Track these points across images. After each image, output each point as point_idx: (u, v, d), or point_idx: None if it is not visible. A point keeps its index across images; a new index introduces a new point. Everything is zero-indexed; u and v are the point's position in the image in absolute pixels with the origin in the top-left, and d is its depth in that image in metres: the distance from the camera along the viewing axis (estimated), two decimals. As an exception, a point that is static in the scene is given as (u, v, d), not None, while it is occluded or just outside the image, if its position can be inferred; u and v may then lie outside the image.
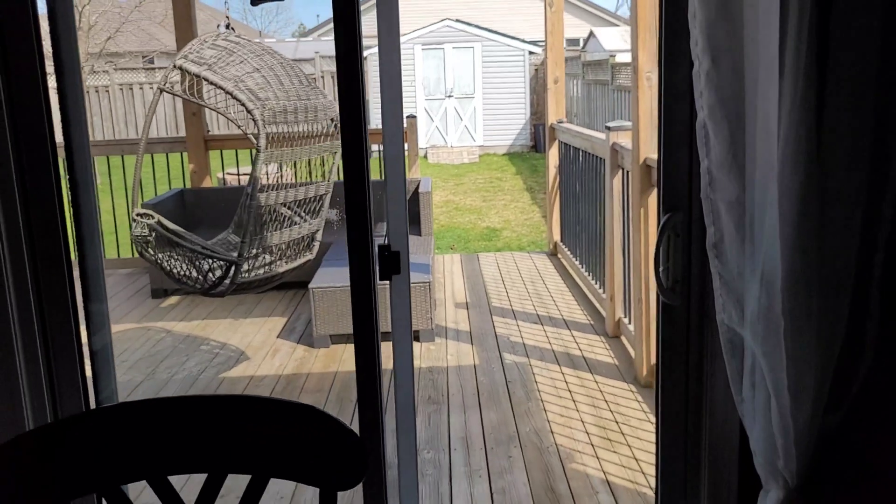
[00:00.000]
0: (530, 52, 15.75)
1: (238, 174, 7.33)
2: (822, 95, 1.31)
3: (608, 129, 4.07)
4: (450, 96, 15.57)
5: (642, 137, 3.38)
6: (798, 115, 1.28)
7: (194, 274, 3.30)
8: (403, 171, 1.72)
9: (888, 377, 1.43)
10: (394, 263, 1.72)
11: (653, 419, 3.33)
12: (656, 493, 1.77)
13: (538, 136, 15.50)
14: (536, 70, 16.33)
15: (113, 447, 1.05)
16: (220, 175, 7.64)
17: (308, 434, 1.05)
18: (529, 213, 10.14)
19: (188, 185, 6.31)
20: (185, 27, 5.64)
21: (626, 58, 12.79)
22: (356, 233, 1.63)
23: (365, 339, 1.71)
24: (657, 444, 1.75)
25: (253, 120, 2.92)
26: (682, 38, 1.51)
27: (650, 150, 3.38)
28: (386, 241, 1.72)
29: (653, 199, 3.46)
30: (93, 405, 1.75)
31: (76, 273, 1.70)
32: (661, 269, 1.64)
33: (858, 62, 1.32)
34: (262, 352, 4.37)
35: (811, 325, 1.38)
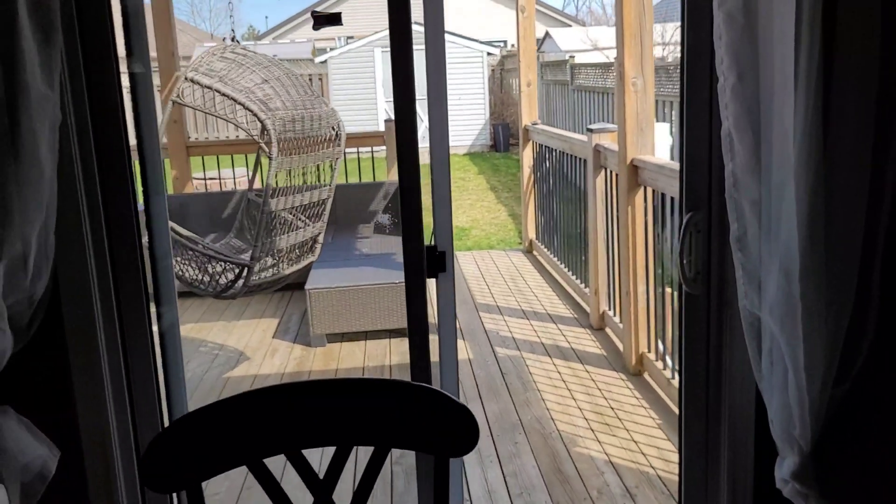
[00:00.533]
0: (488, 53, 16.01)
1: (205, 179, 7.38)
2: (828, 106, 1.52)
3: (591, 131, 4.29)
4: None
5: (629, 140, 3.60)
6: (809, 123, 1.49)
7: (205, 278, 3.41)
8: (448, 175, 1.89)
9: (887, 353, 1.65)
10: (440, 263, 1.89)
11: (645, 405, 3.56)
12: (679, 462, 1.97)
13: (497, 136, 15.76)
14: (493, 70, 16.60)
15: (254, 426, 1.20)
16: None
17: (423, 409, 1.22)
18: (496, 211, 10.36)
19: (171, 191, 6.36)
20: (164, 34, 5.70)
21: (584, 58, 13.12)
22: (411, 236, 1.80)
23: (418, 336, 1.87)
24: (680, 418, 1.95)
25: (265, 129, 3.04)
26: (704, 57, 1.71)
27: (636, 152, 3.61)
28: (433, 242, 1.89)
29: (639, 197, 3.69)
30: (164, 404, 1.87)
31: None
32: (684, 261, 1.84)
33: (860, 77, 1.53)
34: (261, 352, 4.48)
35: (822, 308, 1.59)
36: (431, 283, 1.99)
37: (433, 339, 1.96)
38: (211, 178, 7.50)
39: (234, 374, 4.17)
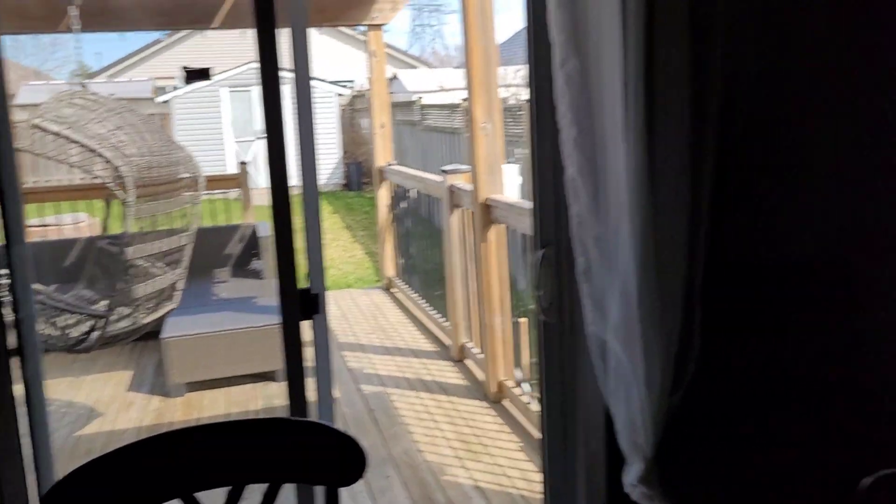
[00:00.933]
0: (338, 94, 16.17)
1: (43, 226, 7.00)
2: (653, 155, 1.76)
3: (444, 172, 4.51)
4: (260, 138, 15.58)
5: (481, 180, 3.84)
6: (638, 170, 1.72)
7: (54, 332, 3.27)
8: (319, 216, 1.98)
9: (710, 363, 1.90)
10: (314, 304, 1.97)
11: (507, 430, 3.76)
12: (544, 480, 2.14)
13: (351, 175, 15.89)
14: (344, 110, 16.77)
15: (145, 475, 1.24)
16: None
17: (311, 442, 1.30)
18: (352, 250, 10.44)
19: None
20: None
21: (432, 99, 13.55)
22: (285, 279, 1.87)
23: (295, 376, 1.93)
24: (542, 433, 2.13)
25: (120, 176, 3.00)
26: (549, 112, 1.92)
27: (489, 192, 3.84)
28: (307, 285, 1.97)
29: (493, 234, 3.92)
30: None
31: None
32: (539, 293, 2.03)
33: (676, 130, 1.78)
34: (115, 406, 4.30)
35: (657, 328, 1.82)
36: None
37: (309, 381, 2.03)
38: (49, 225, 7.11)
39: (86, 433, 3.98)
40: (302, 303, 1.96)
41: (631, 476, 1.88)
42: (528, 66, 1.98)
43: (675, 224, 1.80)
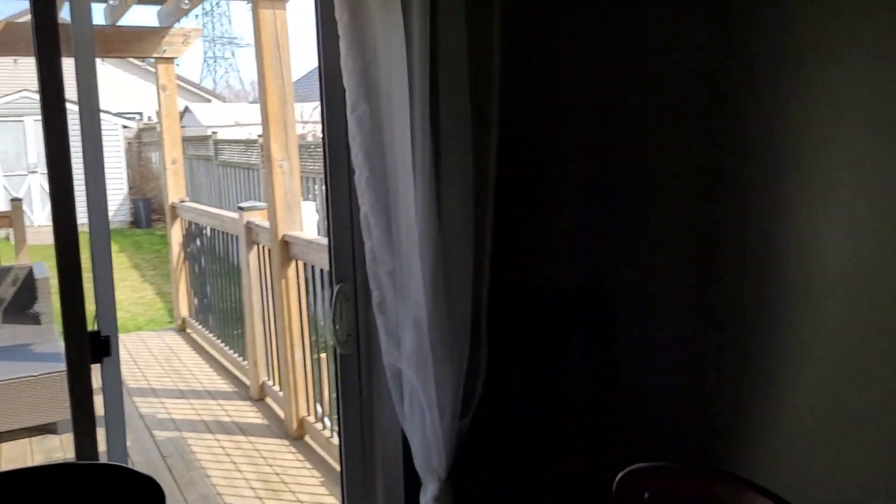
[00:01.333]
0: (124, 126, 15.31)
1: None
2: (439, 193, 1.92)
3: (241, 209, 4.46)
4: (34, 172, 14.33)
5: (279, 217, 3.85)
6: (427, 207, 1.86)
7: None
8: (109, 254, 1.92)
9: (495, 386, 2.07)
10: (105, 347, 1.90)
11: (308, 466, 3.76)
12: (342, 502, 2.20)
13: (139, 211, 15.04)
14: (130, 144, 15.89)
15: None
16: None
17: (110, 486, 1.27)
18: (141, 291, 9.89)
19: None
20: None
21: (227, 134, 13.23)
22: (73, 321, 1.80)
23: (84, 425, 1.85)
24: (341, 464, 2.19)
25: None
26: (342, 153, 2.01)
27: (287, 228, 3.86)
28: (96, 327, 1.90)
29: (292, 270, 3.94)
30: None
31: None
32: (337, 326, 2.10)
33: (461, 170, 1.95)
34: None
35: (447, 355, 1.96)
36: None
37: (99, 429, 1.95)
38: None
39: None
40: (92, 346, 1.88)
41: (427, 497, 1.99)
42: (321, 109, 2.07)
43: (461, 256, 1.97)
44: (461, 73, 1.90)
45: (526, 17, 2.09)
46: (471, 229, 1.97)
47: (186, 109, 17.12)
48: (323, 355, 3.98)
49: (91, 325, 1.90)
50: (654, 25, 2.04)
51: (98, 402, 1.95)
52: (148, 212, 14.86)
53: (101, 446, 2.02)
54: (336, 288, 2.08)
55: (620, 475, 1.15)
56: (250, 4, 3.73)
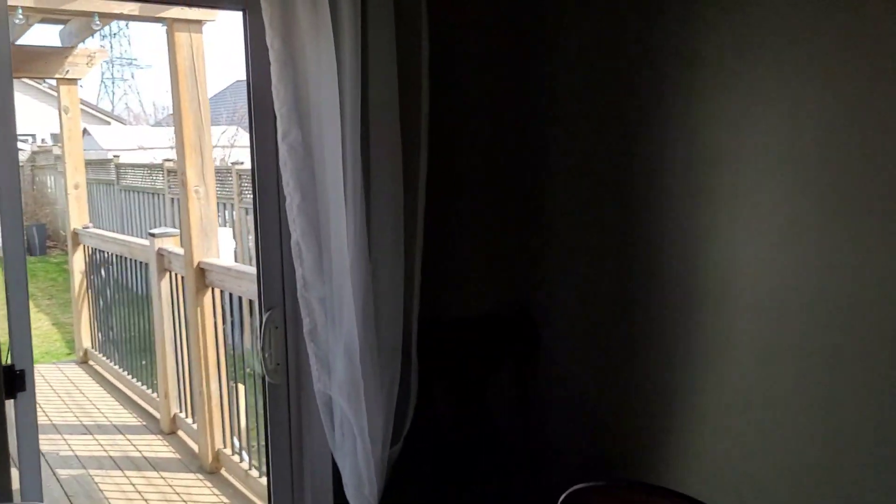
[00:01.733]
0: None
1: None
2: (370, 220, 1.93)
3: (153, 235, 4.32)
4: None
5: (195, 243, 3.75)
6: (358, 234, 1.87)
7: None
8: (25, 282, 1.83)
9: (424, 415, 2.08)
10: (20, 381, 1.81)
11: (225, 500, 3.64)
12: (272, 542, 2.14)
13: (32, 238, 14.28)
14: (23, 167, 15.11)
15: None
16: None
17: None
18: (36, 321, 9.36)
19: None
20: None
21: (130, 157, 12.78)
22: (-17, 354, 1.70)
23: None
24: (269, 496, 2.14)
25: None
26: (272, 179, 1.99)
27: (203, 255, 3.77)
28: (9, 360, 1.80)
29: (208, 299, 3.84)
30: None
31: None
32: (265, 355, 2.07)
33: (391, 198, 1.96)
34: None
35: (378, 383, 1.96)
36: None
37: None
38: None
39: None
40: (6, 380, 1.79)
41: (359, 525, 1.97)
42: (249, 135, 2.05)
43: (392, 283, 1.98)
44: (392, 102, 1.92)
45: (453, 46, 2.14)
46: (401, 255, 1.99)
47: (85, 131, 16.44)
48: (241, 385, 3.88)
49: (4, 359, 1.80)
50: (563, 54, 2.13)
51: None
52: (42, 238, 14.13)
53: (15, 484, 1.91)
54: (265, 316, 2.05)
55: (563, 496, 1.18)
56: (165, 27, 3.64)
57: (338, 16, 1.81)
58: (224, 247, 4.92)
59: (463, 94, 2.21)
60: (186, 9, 3.56)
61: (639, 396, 1.99)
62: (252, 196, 2.06)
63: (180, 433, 4.43)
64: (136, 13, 3.79)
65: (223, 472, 3.91)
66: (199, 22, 3.66)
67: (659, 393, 1.93)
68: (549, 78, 2.18)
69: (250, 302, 3.91)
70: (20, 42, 5.38)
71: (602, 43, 2.03)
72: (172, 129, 4.03)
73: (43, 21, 4.98)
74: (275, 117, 1.86)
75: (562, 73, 2.15)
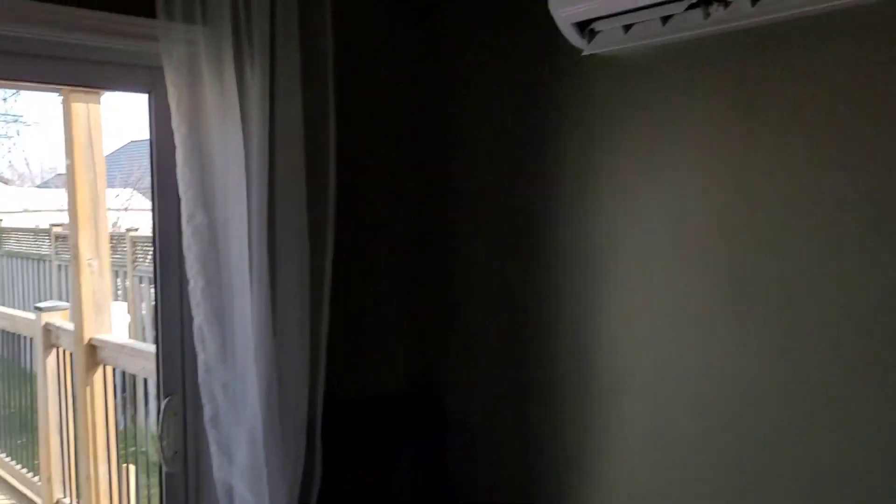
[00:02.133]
0: None
1: None
2: (275, 302, 1.92)
3: (39, 309, 4.11)
4: None
5: (86, 318, 3.59)
6: (262, 316, 1.86)
7: None
8: None
9: (330, 498, 2.05)
10: None
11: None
12: None
13: None
14: None
15: None
16: None
17: None
18: None
19: None
20: None
21: (13, 221, 12.12)
22: None
23: None
24: None
25: None
26: (175, 262, 1.95)
27: (95, 331, 3.60)
28: None
29: (98, 377, 3.66)
30: None
31: None
32: (163, 443, 1.99)
33: (297, 279, 1.97)
34: None
35: (282, 468, 1.93)
36: None
37: None
38: None
39: None
40: None
41: None
42: (151, 214, 2.01)
43: (296, 365, 1.97)
44: (299, 182, 1.94)
45: (362, 133, 2.19)
46: (307, 337, 1.98)
47: (-40, 191, 15.54)
48: (132, 467, 3.69)
49: None
50: (465, 112, 2.22)
51: None
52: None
53: None
54: (164, 402, 1.98)
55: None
56: (60, 96, 3.55)
57: (245, 95, 1.83)
58: (117, 321, 4.73)
59: (373, 165, 2.24)
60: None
61: (542, 479, 2.03)
62: (153, 271, 2.02)
63: (63, 520, 4.15)
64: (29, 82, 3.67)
65: (112, 562, 3.67)
66: (97, 92, 3.57)
67: (560, 479, 1.98)
68: (455, 178, 2.26)
69: (145, 381, 3.75)
70: None
71: (498, 139, 2.12)
72: (60, 190, 3.89)
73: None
74: (178, 198, 1.84)
75: (471, 150, 2.24)
